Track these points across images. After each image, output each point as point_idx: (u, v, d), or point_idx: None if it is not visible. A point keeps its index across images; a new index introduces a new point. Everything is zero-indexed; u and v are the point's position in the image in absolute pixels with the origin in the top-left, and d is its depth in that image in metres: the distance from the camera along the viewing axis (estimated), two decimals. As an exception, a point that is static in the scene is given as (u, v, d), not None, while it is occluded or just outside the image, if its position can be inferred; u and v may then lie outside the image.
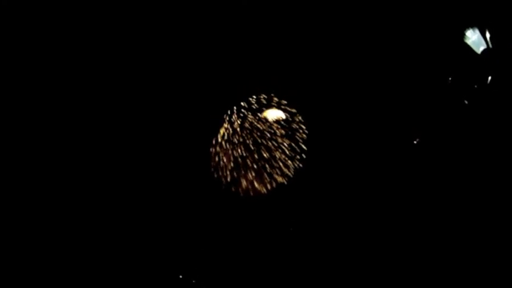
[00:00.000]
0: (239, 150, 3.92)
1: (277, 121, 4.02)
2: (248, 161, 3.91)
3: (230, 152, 3.92)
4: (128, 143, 3.99)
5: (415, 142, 4.20)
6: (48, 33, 4.02)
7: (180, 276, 3.77)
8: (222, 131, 3.99)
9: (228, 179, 3.91)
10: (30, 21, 4.00)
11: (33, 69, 4.00)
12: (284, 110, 4.08)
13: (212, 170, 3.95)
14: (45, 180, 3.87)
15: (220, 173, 3.93)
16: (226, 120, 4.00)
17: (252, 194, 3.93)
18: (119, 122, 4.03)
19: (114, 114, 4.05)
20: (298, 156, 3.99)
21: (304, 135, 4.03)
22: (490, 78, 4.17)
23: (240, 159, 3.91)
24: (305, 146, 4.01)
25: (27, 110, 3.96)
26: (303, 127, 4.06)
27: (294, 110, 4.09)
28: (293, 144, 3.99)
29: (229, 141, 3.95)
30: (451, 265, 3.72)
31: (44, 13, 4.00)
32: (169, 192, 3.96)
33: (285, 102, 4.09)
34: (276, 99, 4.09)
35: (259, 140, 3.94)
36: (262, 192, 3.93)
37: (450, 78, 4.15)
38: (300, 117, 4.06)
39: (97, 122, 4.01)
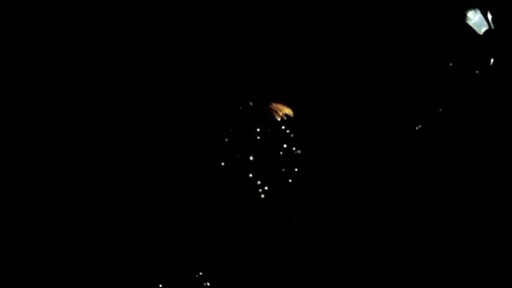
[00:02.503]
0: (244, 150, 3.92)
1: (284, 120, 4.00)
2: (252, 160, 3.91)
3: (235, 151, 3.92)
4: (131, 143, 4.03)
5: (417, 128, 4.19)
6: (48, 33, 3.98)
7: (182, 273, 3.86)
8: (227, 130, 3.98)
9: (232, 179, 3.92)
10: (30, 21, 3.95)
11: (33, 69, 3.99)
12: (291, 109, 4.05)
13: (216, 170, 3.96)
14: (45, 180, 3.92)
15: (224, 174, 3.94)
16: (231, 120, 3.98)
17: (256, 193, 3.94)
18: (124, 122, 4.05)
19: (118, 114, 4.06)
20: (304, 155, 3.97)
21: (310, 133, 4.01)
22: (492, 60, 4.11)
23: (244, 159, 3.90)
24: (311, 144, 4.00)
25: (27, 110, 3.98)
26: (309, 125, 4.03)
27: (300, 109, 4.04)
28: (298, 143, 3.98)
29: (234, 141, 3.93)
30: (452, 265, 3.77)
31: (44, 13, 3.96)
32: (171, 190, 4.00)
33: (292, 100, 4.05)
34: (282, 101, 4.04)
35: (264, 139, 3.93)
36: (268, 191, 3.94)
37: (451, 64, 4.09)
38: (306, 116, 4.02)
39: (101, 121, 4.04)
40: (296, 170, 3.98)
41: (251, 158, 3.91)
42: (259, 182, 3.93)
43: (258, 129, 3.96)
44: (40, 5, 3.88)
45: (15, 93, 3.95)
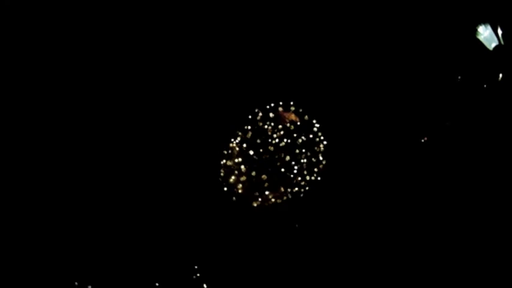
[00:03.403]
0: (252, 163, 3.89)
1: (295, 130, 3.98)
2: (262, 173, 3.88)
3: (242, 163, 3.89)
4: (132, 149, 4.02)
5: (422, 141, 4.18)
6: (49, 34, 4.01)
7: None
8: (234, 141, 3.95)
9: (240, 192, 3.90)
10: (31, 21, 3.99)
11: (33, 69, 4.01)
12: (302, 118, 4.02)
13: (222, 182, 3.94)
14: (45, 180, 3.94)
15: (231, 186, 3.92)
16: (238, 129, 3.96)
17: (265, 206, 3.92)
18: (125, 126, 4.05)
19: (118, 117, 4.06)
20: (315, 168, 3.95)
21: (322, 146, 3.99)
22: (501, 75, 4.10)
23: (253, 172, 3.86)
24: (322, 156, 3.98)
25: (27, 110, 4.00)
26: (321, 136, 4.01)
27: (312, 117, 4.02)
28: (310, 155, 3.95)
29: (242, 152, 3.91)
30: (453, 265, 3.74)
31: (44, 13, 3.99)
32: (175, 203, 4.00)
33: (303, 109, 4.03)
34: (293, 107, 4.01)
35: (274, 151, 3.90)
36: (277, 204, 3.91)
37: (460, 77, 4.09)
38: (318, 125, 4.01)
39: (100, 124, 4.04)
40: (303, 176, 3.97)
41: (265, 170, 3.89)
42: (266, 185, 3.91)
43: (265, 136, 3.95)
44: (40, 5, 3.90)
45: (15, 93, 3.95)
